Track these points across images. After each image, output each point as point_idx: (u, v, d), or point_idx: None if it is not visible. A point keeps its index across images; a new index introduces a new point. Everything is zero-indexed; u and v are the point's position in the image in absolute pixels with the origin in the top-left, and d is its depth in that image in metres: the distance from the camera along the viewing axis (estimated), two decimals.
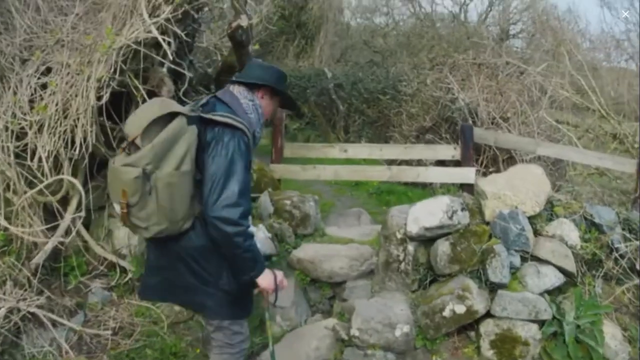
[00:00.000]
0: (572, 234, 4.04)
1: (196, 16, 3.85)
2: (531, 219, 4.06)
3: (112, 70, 3.41)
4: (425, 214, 4.06)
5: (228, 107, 2.52)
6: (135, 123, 2.34)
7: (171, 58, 3.40)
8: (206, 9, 4.68)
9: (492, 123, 7.52)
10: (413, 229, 4.07)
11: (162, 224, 2.36)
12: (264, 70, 2.72)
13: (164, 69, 3.53)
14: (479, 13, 20.08)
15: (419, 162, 5.87)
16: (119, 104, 3.94)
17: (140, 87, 3.51)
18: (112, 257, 4.37)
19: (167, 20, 3.56)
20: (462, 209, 4.06)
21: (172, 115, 2.33)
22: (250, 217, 2.51)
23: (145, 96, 3.51)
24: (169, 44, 3.54)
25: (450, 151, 5.01)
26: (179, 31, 3.52)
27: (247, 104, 2.59)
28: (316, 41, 15.18)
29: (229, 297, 2.56)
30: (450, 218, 4.00)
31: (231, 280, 2.54)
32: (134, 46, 3.37)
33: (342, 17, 17.74)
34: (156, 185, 2.28)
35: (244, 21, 3.68)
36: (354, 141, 11.14)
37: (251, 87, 2.65)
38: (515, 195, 4.06)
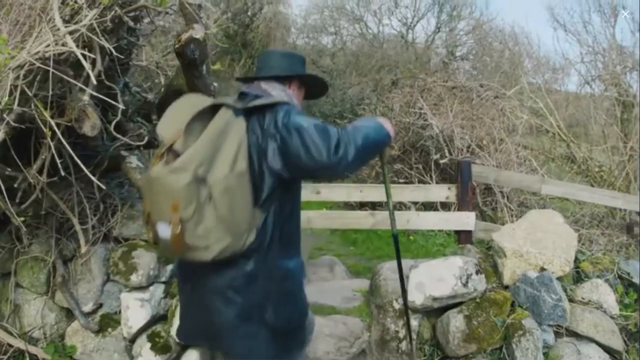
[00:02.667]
0: (609, 299, 3.29)
1: (132, 25, 2.87)
2: (557, 280, 3.28)
3: (10, 98, 2.38)
4: (432, 280, 3.20)
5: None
6: (170, 124, 1.94)
7: (95, 82, 2.40)
8: (147, 19, 3.70)
9: (468, 151, 6.84)
10: (417, 298, 3.20)
11: (225, 240, 1.87)
12: (287, 59, 2.30)
13: (86, 97, 2.53)
14: (426, 34, 19.90)
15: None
16: (24, 144, 2.90)
17: (52, 121, 2.49)
18: (20, 343, 3.32)
19: (92, 30, 2.57)
20: (478, 272, 3.23)
21: (213, 109, 1.92)
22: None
23: (59, 134, 2.49)
24: (93, 62, 2.55)
25: (443, 192, 4.19)
26: (107, 45, 2.53)
27: (281, 95, 2.15)
28: None
29: (274, 333, 2.06)
30: (465, 285, 3.16)
31: (278, 312, 2.04)
32: (41, 65, 2.36)
33: (288, 36, 17.07)
34: (211, 193, 1.83)
35: (198, 32, 2.74)
36: None
37: (279, 80, 2.23)
38: (540, 253, 3.27)
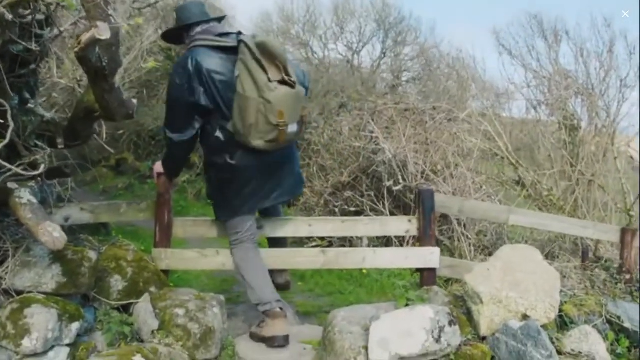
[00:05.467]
0: (600, 349, 2.84)
1: (12, 21, 2.22)
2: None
3: None
4: (398, 335, 2.66)
5: None
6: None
7: None
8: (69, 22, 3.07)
9: (422, 177, 6.43)
10: (381, 357, 2.64)
11: None
12: None
13: None
14: (372, 59, 19.82)
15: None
16: None
17: None
18: None
19: None
20: (451, 323, 2.72)
21: None
22: None
23: None
24: None
25: (403, 224, 3.68)
26: None
27: None
28: None
29: None
30: (438, 340, 2.63)
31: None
32: None
33: None
34: None
35: (103, 33, 2.15)
36: None
37: None
38: (522, 298, 2.79)
